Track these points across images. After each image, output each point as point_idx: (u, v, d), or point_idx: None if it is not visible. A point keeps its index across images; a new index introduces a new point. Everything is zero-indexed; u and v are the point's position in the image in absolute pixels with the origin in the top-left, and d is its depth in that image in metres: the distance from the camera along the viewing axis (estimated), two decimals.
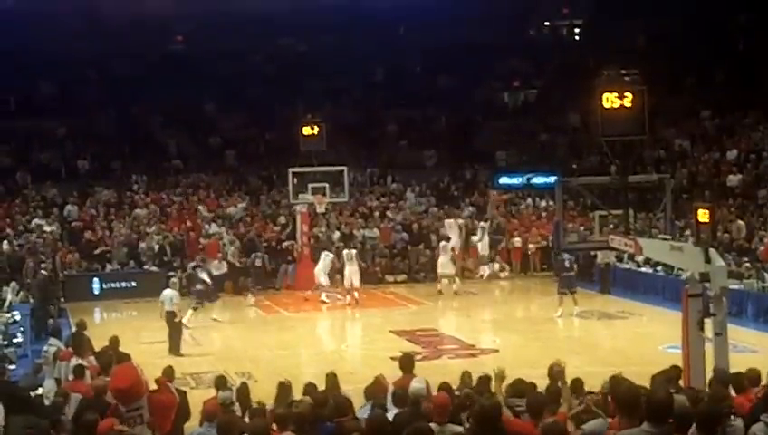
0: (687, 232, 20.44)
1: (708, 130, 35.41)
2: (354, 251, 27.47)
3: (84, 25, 38.00)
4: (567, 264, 24.67)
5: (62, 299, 26.73)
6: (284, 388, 11.23)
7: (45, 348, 15.37)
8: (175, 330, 20.19)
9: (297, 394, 11.07)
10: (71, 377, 13.14)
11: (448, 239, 28.86)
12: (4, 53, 35.76)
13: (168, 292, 20.72)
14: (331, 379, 11.64)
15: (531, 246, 31.16)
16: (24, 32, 36.84)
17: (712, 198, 26.97)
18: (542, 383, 11.59)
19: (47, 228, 30.19)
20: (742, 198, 29.50)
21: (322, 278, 26.71)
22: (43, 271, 25.49)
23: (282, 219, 31.59)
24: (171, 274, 29.30)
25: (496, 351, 19.77)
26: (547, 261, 30.54)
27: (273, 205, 33.23)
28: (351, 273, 26.73)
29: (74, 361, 13.79)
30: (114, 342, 14.83)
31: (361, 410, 10.64)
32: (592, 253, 26.08)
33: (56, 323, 19.96)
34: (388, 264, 31.00)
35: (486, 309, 26.59)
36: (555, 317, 23.82)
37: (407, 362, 11.91)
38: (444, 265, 28.02)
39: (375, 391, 11.30)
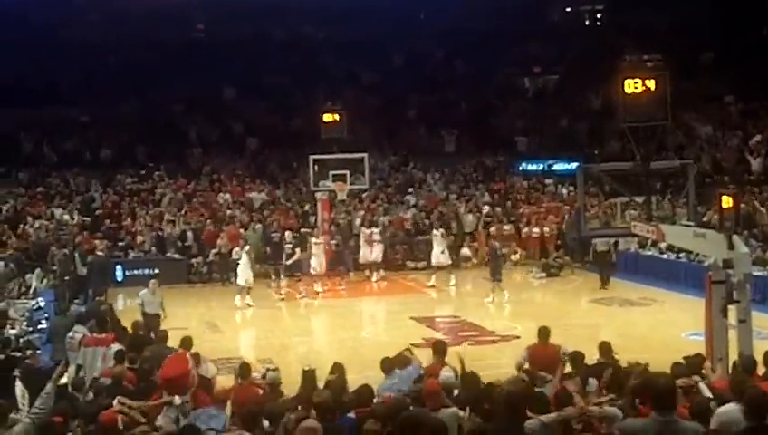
0: (706, 218, 20.32)
1: (732, 116, 35.16)
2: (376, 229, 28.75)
3: (105, 14, 38.11)
4: (498, 252, 24.97)
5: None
6: (309, 375, 11.27)
7: (71, 334, 15.43)
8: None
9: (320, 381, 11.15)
10: (110, 363, 13.22)
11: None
12: (26, 42, 36.02)
13: (149, 292, 19.56)
14: (339, 368, 11.55)
15: (545, 229, 31.15)
16: (45, 21, 37.01)
17: (735, 184, 26.77)
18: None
19: (66, 217, 30.41)
20: (766, 183, 29.28)
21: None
22: (100, 252, 26.56)
23: (305, 207, 31.66)
24: (193, 260, 29.66)
25: (517, 338, 19.72)
26: (563, 246, 30.58)
27: (297, 192, 33.32)
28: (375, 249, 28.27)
29: (116, 346, 13.87)
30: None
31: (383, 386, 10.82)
32: (593, 240, 25.94)
33: (84, 310, 20.08)
34: (408, 250, 31.03)
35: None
36: (486, 302, 24.28)
37: (440, 348, 11.96)
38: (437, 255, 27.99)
39: (393, 362, 11.46)
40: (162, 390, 10.73)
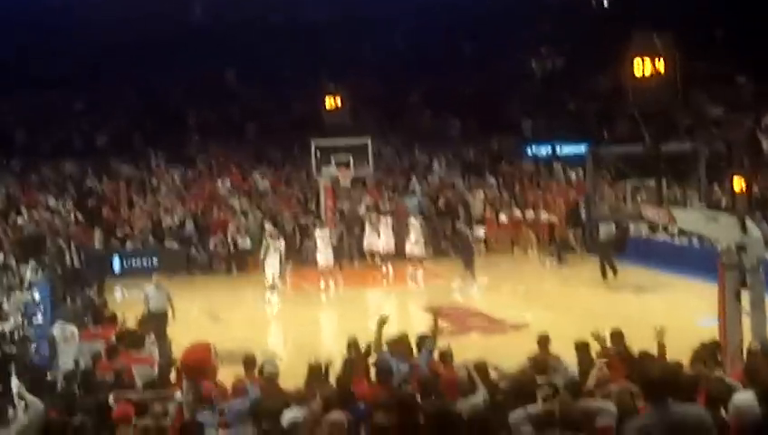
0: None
1: (744, 97, 34.57)
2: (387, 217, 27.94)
3: None
4: (471, 239, 24.56)
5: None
6: (314, 369, 10.97)
7: (60, 329, 15.19)
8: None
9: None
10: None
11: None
12: (22, 24, 35.49)
13: (153, 287, 18.62)
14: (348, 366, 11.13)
15: (554, 217, 30.69)
16: (41, 5, 36.56)
17: (749, 165, 26.23)
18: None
19: (61, 208, 29.94)
20: None
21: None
22: (96, 243, 26.89)
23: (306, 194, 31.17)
24: (193, 251, 29.19)
25: (526, 326, 19.30)
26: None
27: (298, 179, 32.82)
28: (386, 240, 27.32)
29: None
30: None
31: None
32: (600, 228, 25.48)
33: (78, 304, 19.78)
34: None
35: (515, 283, 26.05)
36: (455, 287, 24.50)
37: (423, 344, 11.84)
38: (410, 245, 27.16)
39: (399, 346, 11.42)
40: (181, 374, 10.49)
